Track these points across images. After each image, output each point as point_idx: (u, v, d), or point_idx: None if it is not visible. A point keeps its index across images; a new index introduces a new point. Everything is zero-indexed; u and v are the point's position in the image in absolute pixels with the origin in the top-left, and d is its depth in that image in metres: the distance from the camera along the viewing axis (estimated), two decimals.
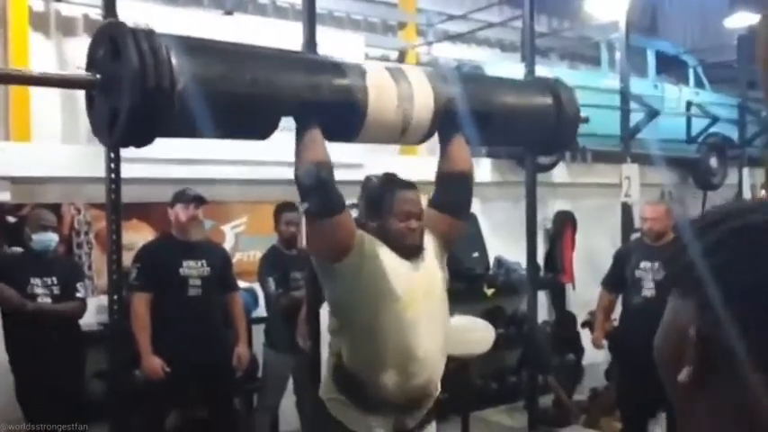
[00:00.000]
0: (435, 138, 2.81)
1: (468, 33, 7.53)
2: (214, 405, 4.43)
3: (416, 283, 2.67)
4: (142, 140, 2.10)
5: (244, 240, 5.72)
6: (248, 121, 2.30)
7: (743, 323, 0.60)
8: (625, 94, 6.44)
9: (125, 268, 4.23)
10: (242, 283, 4.87)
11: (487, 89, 2.99)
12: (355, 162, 4.92)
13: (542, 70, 5.46)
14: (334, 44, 4.73)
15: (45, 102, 5.09)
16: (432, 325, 2.70)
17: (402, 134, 2.59)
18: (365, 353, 2.66)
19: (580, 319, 6.34)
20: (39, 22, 5.27)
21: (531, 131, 3.07)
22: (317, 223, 2.53)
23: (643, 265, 4.51)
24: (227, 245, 5.45)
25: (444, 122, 2.67)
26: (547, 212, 7.24)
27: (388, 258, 2.64)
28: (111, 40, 2.03)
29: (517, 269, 6.46)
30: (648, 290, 4.42)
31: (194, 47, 2.14)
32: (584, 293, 6.44)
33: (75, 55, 4.90)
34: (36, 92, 5.01)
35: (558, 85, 3.08)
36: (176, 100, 1.96)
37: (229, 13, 5.87)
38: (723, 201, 8.45)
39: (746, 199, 7.80)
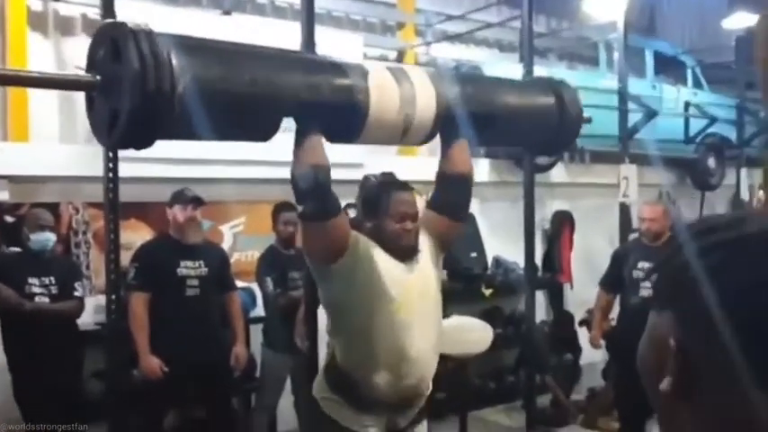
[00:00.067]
0: (436, 138, 2.81)
1: (467, 33, 7.53)
2: (212, 405, 4.43)
3: (410, 285, 2.68)
4: (142, 142, 2.09)
5: (242, 240, 5.72)
6: (249, 122, 2.29)
7: (737, 323, 0.60)
8: (623, 95, 6.45)
9: (123, 268, 4.23)
10: (240, 283, 4.86)
11: (490, 90, 2.97)
12: (355, 162, 4.93)
13: (541, 70, 5.46)
14: (333, 44, 4.73)
15: (43, 101, 5.08)
16: (425, 326, 2.71)
17: (404, 135, 2.58)
18: (358, 353, 2.68)
19: (578, 318, 6.35)
20: (37, 21, 5.26)
21: (534, 132, 3.06)
22: (311, 226, 2.54)
23: (641, 265, 4.52)
24: (226, 245, 5.44)
25: (447, 124, 2.66)
26: (545, 212, 7.25)
27: (383, 260, 2.65)
28: (111, 41, 2.02)
29: (515, 269, 6.47)
30: (646, 290, 4.43)
31: (195, 47, 2.13)
32: (582, 293, 6.45)
33: (73, 54, 4.90)
34: (34, 92, 5.00)
35: (561, 85, 3.08)
36: (177, 103, 1.95)
37: (227, 12, 5.86)
38: (721, 201, 8.48)
39: (744, 205, 7.82)
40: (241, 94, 2.16)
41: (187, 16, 5.55)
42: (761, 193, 8.14)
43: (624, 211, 6.17)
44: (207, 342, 4.23)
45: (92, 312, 4.74)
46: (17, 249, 4.47)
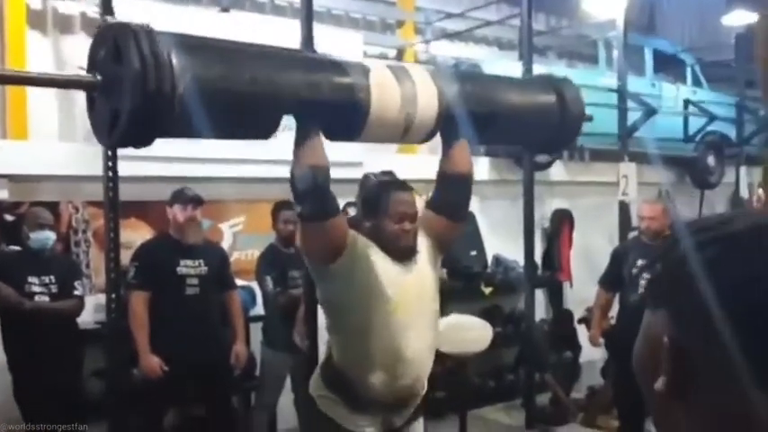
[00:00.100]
0: (436, 137, 2.81)
1: (466, 31, 7.53)
2: (212, 403, 4.43)
3: (408, 286, 2.68)
4: (143, 142, 2.10)
5: (242, 239, 5.72)
6: (250, 121, 2.29)
7: (733, 319, 0.60)
8: (623, 93, 6.46)
9: (123, 267, 4.23)
10: (240, 282, 4.87)
11: (492, 89, 2.96)
12: (354, 160, 4.93)
13: (540, 68, 5.46)
14: (332, 42, 4.73)
15: (42, 100, 5.08)
16: (421, 326, 2.72)
17: (405, 134, 2.57)
18: (355, 352, 2.69)
19: (577, 317, 6.35)
20: (36, 19, 5.25)
21: (536, 130, 3.06)
22: (310, 226, 2.54)
23: (640, 263, 4.52)
24: (226, 243, 5.44)
25: (448, 123, 2.66)
26: (544, 211, 7.25)
27: (380, 261, 2.65)
28: (112, 41, 2.02)
29: (515, 267, 6.47)
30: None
31: (196, 47, 2.13)
32: (582, 291, 6.45)
33: (72, 53, 4.89)
34: (33, 90, 4.99)
35: (562, 83, 3.07)
36: (177, 102, 1.95)
37: (226, 10, 5.85)
38: (721, 199, 8.47)
39: (743, 203, 7.83)
40: (241, 93, 2.16)
41: (185, 13, 5.54)
42: (760, 191, 8.15)
43: (624, 209, 6.18)
44: (207, 341, 4.23)
45: (92, 311, 4.74)
46: (17, 248, 4.46)
